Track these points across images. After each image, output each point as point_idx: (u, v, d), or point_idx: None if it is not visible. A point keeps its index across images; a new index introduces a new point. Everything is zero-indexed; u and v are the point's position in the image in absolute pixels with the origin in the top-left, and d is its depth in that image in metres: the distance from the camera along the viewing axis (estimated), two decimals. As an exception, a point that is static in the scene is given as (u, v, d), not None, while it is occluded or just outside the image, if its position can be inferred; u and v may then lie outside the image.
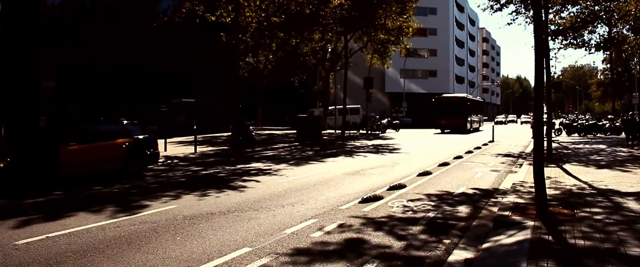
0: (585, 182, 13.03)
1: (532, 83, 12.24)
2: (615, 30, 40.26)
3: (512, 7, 29.10)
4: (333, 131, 44.58)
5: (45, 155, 13.70)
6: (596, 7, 32.76)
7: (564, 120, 58.09)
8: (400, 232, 8.17)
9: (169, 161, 20.34)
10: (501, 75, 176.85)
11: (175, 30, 32.23)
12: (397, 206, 10.47)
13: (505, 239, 7.21)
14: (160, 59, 35.04)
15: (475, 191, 12.89)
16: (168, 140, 26.23)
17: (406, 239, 7.71)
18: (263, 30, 34.31)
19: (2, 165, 12.77)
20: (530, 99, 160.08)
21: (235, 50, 28.25)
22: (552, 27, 30.41)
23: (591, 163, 18.41)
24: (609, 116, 48.63)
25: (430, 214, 9.67)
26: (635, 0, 28.93)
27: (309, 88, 61.76)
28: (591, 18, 32.83)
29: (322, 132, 36.75)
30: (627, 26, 37.78)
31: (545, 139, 18.96)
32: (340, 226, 8.66)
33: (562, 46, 34.26)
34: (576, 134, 41.97)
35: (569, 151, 24.47)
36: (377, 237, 7.82)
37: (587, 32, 36.44)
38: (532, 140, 10.86)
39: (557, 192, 11.39)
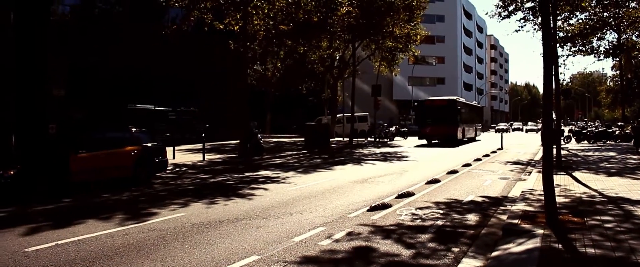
0: (595, 190, 12.94)
1: (541, 90, 12.20)
2: (624, 36, 40.10)
3: (520, 14, 29.02)
4: (341, 139, 44.55)
5: (55, 163, 13.78)
6: (605, 14, 32.67)
7: (574, 127, 57.78)
8: (409, 241, 8.14)
9: (177, 169, 20.40)
10: (510, 83, 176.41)
11: (183, 38, 32.39)
12: (406, 214, 10.44)
13: (515, 248, 7.16)
14: (169, 67, 35.21)
15: (484, 198, 12.83)
16: (176, 147, 26.28)
17: (415, 248, 7.68)
18: (271, 38, 34.39)
19: (12, 172, 12.85)
20: (539, 106, 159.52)
21: (243, 58, 28.35)
22: (561, 34, 30.34)
23: (601, 171, 18.29)
24: (619, 123, 48.27)
25: (439, 222, 9.63)
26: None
27: (317, 96, 61.81)
28: (600, 25, 32.74)
29: (330, 140, 36.73)
30: (637, 32, 37.64)
31: (555, 146, 18.86)
32: (349, 234, 8.64)
33: (570, 53, 34.14)
34: (586, 142, 41.72)
35: (579, 159, 24.32)
36: (385, 246, 7.79)
37: (596, 38, 36.34)
38: (541, 147, 10.82)
39: (566, 200, 11.31)
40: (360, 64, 45.35)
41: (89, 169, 14.37)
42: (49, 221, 9.96)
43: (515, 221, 8.92)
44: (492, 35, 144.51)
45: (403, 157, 27.52)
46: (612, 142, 40.66)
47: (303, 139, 36.68)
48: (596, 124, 67.66)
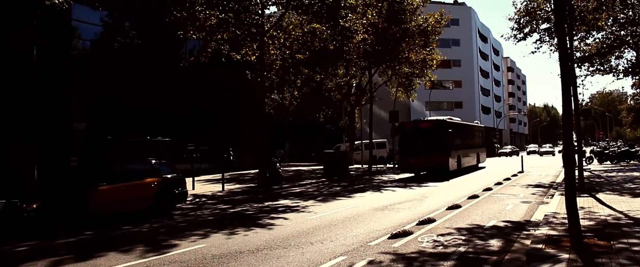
0: (621, 212, 12.69)
1: (560, 111, 12.08)
2: (643, 54, 39.69)
3: (536, 36, 28.93)
4: (360, 166, 44.41)
5: (76, 196, 13.89)
6: (622, 33, 32.42)
7: (595, 147, 56.95)
8: (431, 268, 8.02)
9: (197, 200, 20.44)
10: (528, 104, 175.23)
11: (201, 69, 32.77)
12: (427, 241, 10.31)
13: (540, 273, 7.03)
14: (187, 98, 35.58)
15: (506, 223, 12.65)
16: (196, 178, 26.39)
17: (437, 275, 7.55)
18: (288, 67, 34.68)
19: (34, 206, 12.98)
20: (558, 127, 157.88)
21: (260, 87, 28.56)
22: (578, 54, 30.13)
23: (626, 192, 17.96)
24: (642, 142, 47.52)
25: (461, 249, 9.50)
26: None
27: (335, 123, 61.88)
28: (618, 43, 32.44)
29: (349, 167, 36.63)
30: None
31: (577, 167, 18.60)
32: (370, 262, 8.55)
33: (588, 73, 33.73)
34: (608, 162, 41.10)
35: (602, 180, 23.94)
36: (407, 274, 7.68)
37: (614, 57, 36.00)
38: (563, 169, 10.63)
39: (591, 223, 11.11)
40: (377, 90, 45.42)
41: (110, 202, 14.45)
42: (71, 254, 10.01)
43: (540, 246, 8.76)
44: (508, 57, 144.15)
45: (422, 183, 27.32)
46: (636, 162, 40.01)
47: (322, 167, 36.63)
48: (618, 144, 66.66)
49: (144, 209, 15.62)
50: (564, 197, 11.43)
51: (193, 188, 24.22)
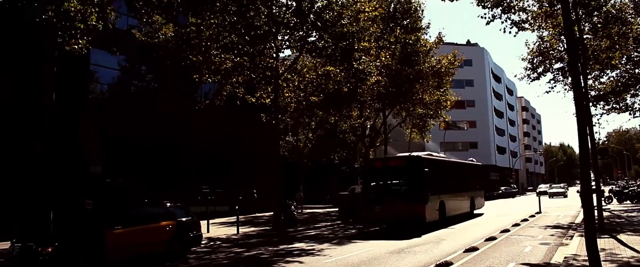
0: (643, 253, 12.41)
1: (577, 150, 11.99)
2: (659, 93, 39.40)
3: (549, 76, 28.94)
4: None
5: (91, 239, 13.90)
6: (637, 70, 32.33)
7: (614, 187, 56.09)
8: (450, 312, 7.83)
9: (211, 243, 20.34)
10: (543, 144, 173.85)
11: (216, 112, 33.08)
12: (445, 284, 10.11)
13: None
14: (201, 139, 35.82)
15: (525, 266, 12.41)
16: (210, 220, 26.33)
17: (456, 319, 7.37)
18: (302, 109, 34.90)
19: (50, 249, 12.99)
20: (575, 166, 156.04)
21: (275, 130, 28.71)
22: (593, 93, 30.02)
23: (647, 232, 17.61)
24: (662, 181, 46.73)
25: (480, 292, 9.29)
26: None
27: (350, 165, 61.75)
28: (633, 81, 32.33)
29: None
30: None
31: (596, 207, 18.31)
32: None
33: (604, 112, 33.51)
34: (628, 201, 40.39)
35: (622, 220, 23.51)
36: (425, 318, 7.50)
37: (629, 96, 35.82)
38: (582, 209, 10.40)
39: (613, 265, 10.86)
40: (392, 131, 45.45)
41: (125, 245, 14.43)
42: (85, 300, 9.94)
43: (560, 289, 8.56)
44: (522, 97, 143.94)
45: (438, 224, 27.01)
46: (657, 202, 39.29)
47: (337, 209, 36.39)
48: (638, 183, 65.67)
49: (158, 253, 15.57)
50: (584, 238, 11.22)
51: (208, 231, 24.13)
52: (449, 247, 16.94)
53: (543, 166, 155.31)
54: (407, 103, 39.69)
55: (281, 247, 18.74)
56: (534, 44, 28.58)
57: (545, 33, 27.51)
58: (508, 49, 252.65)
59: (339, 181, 62.39)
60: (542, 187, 77.23)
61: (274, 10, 26.12)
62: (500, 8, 20.71)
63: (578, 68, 11.50)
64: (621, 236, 16.53)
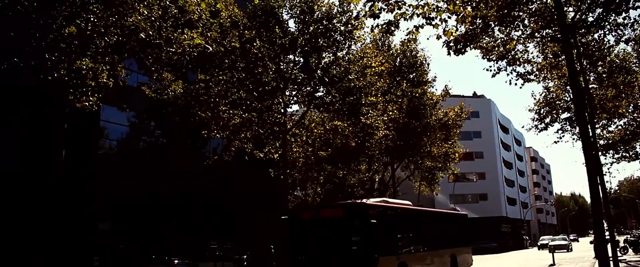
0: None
1: (588, 199, 11.88)
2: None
3: (557, 126, 29.04)
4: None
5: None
6: (644, 118, 32.35)
7: (629, 236, 55.11)
8: None
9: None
10: (554, 194, 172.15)
11: (224, 167, 33.15)
12: None
13: None
14: (210, 195, 35.75)
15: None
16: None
17: None
18: (310, 164, 34.91)
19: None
20: (588, 216, 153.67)
21: (283, 184, 28.66)
22: (601, 142, 29.98)
23: (666, 283, 17.15)
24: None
25: None
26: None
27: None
28: (641, 129, 32.32)
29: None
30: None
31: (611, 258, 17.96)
32: None
33: (614, 160, 33.39)
34: (645, 252, 39.59)
35: (640, 271, 22.99)
36: None
37: (638, 144, 35.72)
38: (596, 261, 10.16)
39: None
40: (400, 185, 45.23)
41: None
42: None
43: None
44: (530, 147, 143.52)
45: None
46: (674, 251, 38.47)
47: (347, 264, 35.71)
48: (653, 233, 64.51)
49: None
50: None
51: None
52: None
53: (555, 216, 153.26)
54: (415, 156, 39.66)
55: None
56: (541, 95, 28.86)
57: (551, 84, 27.81)
58: (514, 99, 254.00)
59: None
60: (544, 239, 69.21)
61: (282, 66, 26.54)
62: (506, 60, 20.96)
63: (585, 117, 11.55)
64: (639, 287, 16.11)
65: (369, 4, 12.00)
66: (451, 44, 15.44)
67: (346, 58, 26.55)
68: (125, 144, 33.00)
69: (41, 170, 21.48)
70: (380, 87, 28.99)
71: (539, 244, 63.93)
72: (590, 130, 19.80)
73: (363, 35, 26.81)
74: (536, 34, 20.38)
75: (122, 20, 17.74)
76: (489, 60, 20.98)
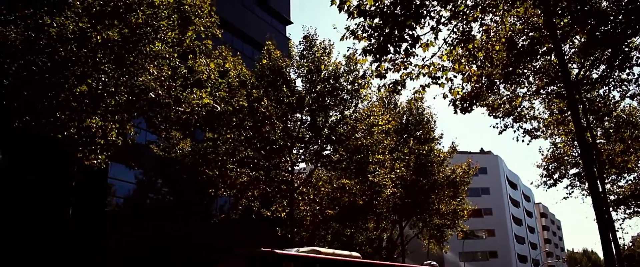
0: None
1: (601, 255, 11.68)
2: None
3: (566, 181, 28.85)
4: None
5: None
6: (654, 172, 32.12)
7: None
8: None
9: None
10: (566, 251, 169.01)
11: (231, 225, 32.91)
12: None
13: None
14: (216, 252, 35.36)
15: None
16: None
17: None
18: (318, 222, 34.64)
19: None
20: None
21: (291, 243, 28.36)
22: (612, 197, 29.68)
23: None
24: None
25: None
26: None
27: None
28: (651, 184, 32.02)
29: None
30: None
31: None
32: None
33: (626, 216, 32.94)
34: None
35: None
36: None
37: (650, 198, 35.34)
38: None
39: None
40: (409, 243, 44.67)
41: None
42: None
43: None
44: (540, 203, 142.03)
45: None
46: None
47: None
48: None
49: None
50: None
51: None
52: None
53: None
54: (423, 214, 39.32)
55: None
56: (548, 151, 28.78)
57: (558, 139, 27.77)
58: (522, 155, 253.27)
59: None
60: None
61: (289, 125, 26.75)
62: (512, 117, 21.08)
63: (594, 173, 11.52)
64: None
65: (375, 64, 12.20)
66: (457, 103, 15.58)
67: (353, 116, 26.76)
68: (132, 201, 32.93)
69: (49, 226, 21.41)
70: (387, 145, 29.06)
71: None
72: (599, 185, 19.64)
73: (370, 93, 27.13)
74: (541, 90, 20.58)
75: (132, 79, 18.07)
76: (495, 117, 21.11)
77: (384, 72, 12.47)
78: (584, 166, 11.27)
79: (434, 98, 30.58)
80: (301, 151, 27.93)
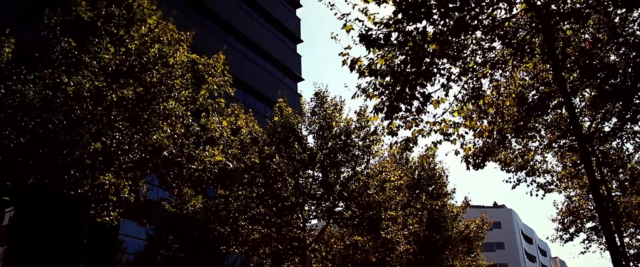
0: None
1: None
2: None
3: (583, 235, 28.36)
4: None
5: None
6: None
7: None
8: None
9: None
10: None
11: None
12: None
13: None
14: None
15: None
16: None
17: None
18: (331, 280, 34.12)
19: None
20: None
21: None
22: (631, 251, 29.08)
23: None
24: None
25: None
26: None
27: None
28: (672, 238, 31.40)
29: None
30: None
31: None
32: None
33: (648, 270, 32.21)
34: None
35: None
36: None
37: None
38: None
39: None
40: (424, 299, 43.70)
41: None
42: None
43: None
44: (557, 257, 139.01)
45: None
46: None
47: None
48: None
49: None
50: None
51: None
52: None
53: None
54: (437, 270, 38.62)
55: None
56: (563, 204, 28.45)
57: (573, 193, 27.49)
58: (537, 208, 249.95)
59: None
60: None
61: (301, 182, 26.72)
62: (525, 171, 20.98)
63: (611, 227, 11.36)
64: None
65: (387, 121, 12.29)
66: (470, 159, 15.55)
67: (365, 173, 26.72)
68: (143, 258, 32.73)
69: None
70: (399, 200, 28.85)
71: None
72: (617, 239, 19.31)
73: (381, 149, 27.16)
74: (553, 144, 20.53)
75: (146, 137, 18.28)
76: (508, 171, 21.01)
77: (395, 129, 12.55)
78: (600, 219, 11.12)
79: (446, 155, 30.47)
80: (313, 208, 27.78)
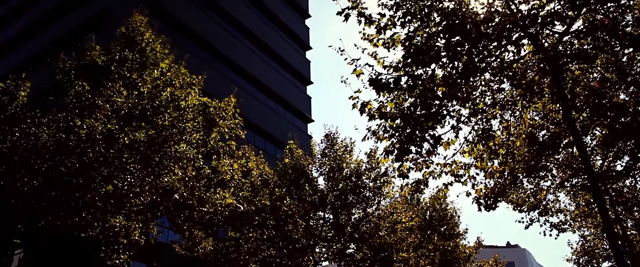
0: None
1: None
2: None
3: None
4: None
5: None
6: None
7: None
8: None
9: None
10: None
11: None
12: None
13: None
14: None
15: None
16: None
17: None
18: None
19: None
20: None
21: None
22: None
23: None
24: None
25: None
26: None
27: None
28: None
29: None
30: None
31: None
32: None
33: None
34: None
35: None
36: None
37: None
38: None
39: None
40: None
41: None
42: None
43: None
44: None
45: None
46: None
47: None
48: None
49: None
50: None
51: None
52: None
53: None
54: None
55: None
56: (578, 244, 28.02)
57: (587, 232, 27.11)
58: (551, 247, 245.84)
59: None
60: None
61: (312, 223, 26.60)
62: (537, 211, 20.77)
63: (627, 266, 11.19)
64: None
65: (397, 163, 12.30)
66: (481, 200, 15.44)
67: (376, 214, 26.57)
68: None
69: None
70: (411, 242, 28.56)
71: None
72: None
73: (392, 190, 27.05)
74: (566, 183, 20.36)
75: (157, 180, 18.35)
76: (520, 211, 20.81)
77: (406, 171, 12.55)
78: (616, 259, 10.95)
79: (458, 196, 30.18)
80: (324, 250, 27.54)
